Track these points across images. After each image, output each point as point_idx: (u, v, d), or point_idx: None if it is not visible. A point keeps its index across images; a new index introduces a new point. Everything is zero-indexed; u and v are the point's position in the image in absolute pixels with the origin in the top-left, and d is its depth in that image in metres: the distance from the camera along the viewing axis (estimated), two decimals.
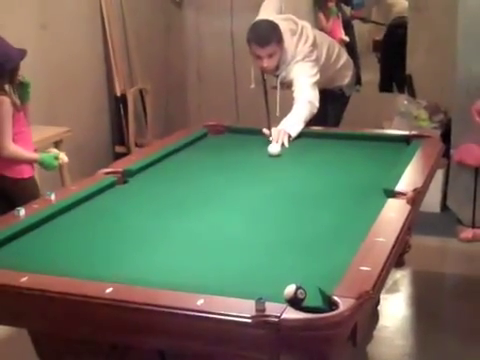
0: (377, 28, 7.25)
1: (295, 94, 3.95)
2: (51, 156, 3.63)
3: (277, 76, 4.16)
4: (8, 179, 3.58)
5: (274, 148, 3.52)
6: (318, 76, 4.04)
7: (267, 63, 4.01)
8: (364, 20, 7.29)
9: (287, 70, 4.08)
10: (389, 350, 3.48)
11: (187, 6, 6.60)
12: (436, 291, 4.15)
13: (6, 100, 3.46)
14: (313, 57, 4.10)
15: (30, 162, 3.64)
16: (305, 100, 3.88)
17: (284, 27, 4.09)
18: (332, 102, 4.50)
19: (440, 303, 4.01)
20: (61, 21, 5.14)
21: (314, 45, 4.16)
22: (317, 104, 3.94)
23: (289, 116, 3.83)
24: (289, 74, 4.07)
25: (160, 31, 6.53)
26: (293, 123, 3.77)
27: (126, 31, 5.96)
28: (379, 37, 7.13)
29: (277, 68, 4.10)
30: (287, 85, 4.13)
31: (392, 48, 6.63)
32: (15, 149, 3.52)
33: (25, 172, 3.63)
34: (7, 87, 3.52)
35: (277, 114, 4.12)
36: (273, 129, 3.70)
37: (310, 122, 3.91)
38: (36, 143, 3.88)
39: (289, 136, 3.69)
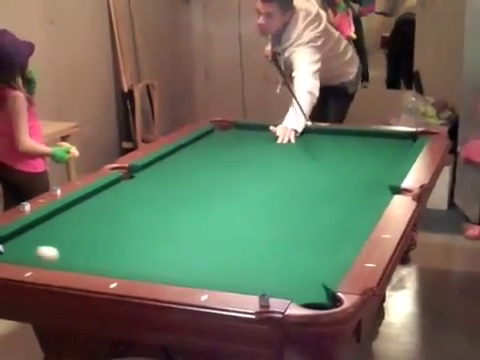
0: (385, 24, 7.22)
1: (295, 81, 3.95)
2: (63, 150, 3.68)
3: (279, 54, 4.19)
4: (23, 173, 3.62)
5: None
6: (319, 64, 4.01)
7: (263, 20, 4.08)
8: (385, 14, 7.25)
9: (290, 51, 4.09)
10: (395, 347, 3.48)
11: (195, 3, 6.59)
12: (442, 288, 4.14)
13: (21, 95, 3.49)
14: (318, 43, 4.09)
15: (44, 156, 3.67)
16: (305, 90, 3.87)
17: (301, 6, 4.13)
18: (335, 99, 4.49)
19: (446, 300, 4.00)
20: (68, 16, 5.14)
21: (323, 33, 4.16)
22: (317, 94, 3.93)
23: (292, 110, 3.82)
24: (291, 56, 4.08)
25: (167, 26, 6.51)
26: (297, 117, 3.76)
27: (133, 26, 5.96)
28: (387, 33, 7.11)
29: (278, 42, 4.15)
30: (288, 68, 4.12)
31: (400, 44, 6.61)
32: (32, 143, 3.56)
33: (39, 166, 3.67)
34: (19, 82, 3.54)
35: (278, 91, 4.27)
36: (279, 127, 3.69)
37: (314, 119, 3.89)
38: (43, 138, 3.90)
39: (295, 132, 3.69)
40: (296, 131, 3.70)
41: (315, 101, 3.92)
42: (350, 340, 1.86)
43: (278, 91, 4.43)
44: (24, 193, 3.44)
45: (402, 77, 6.66)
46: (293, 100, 3.87)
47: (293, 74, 4.01)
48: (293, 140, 3.63)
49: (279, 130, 3.67)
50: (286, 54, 4.13)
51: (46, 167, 3.75)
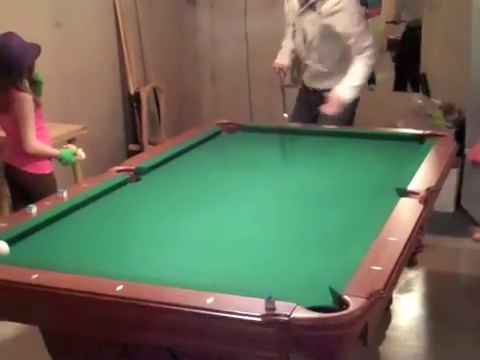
0: (391, 28, 7.21)
1: (353, 52, 4.03)
2: (70, 152, 3.69)
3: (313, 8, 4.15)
4: (29, 175, 3.63)
5: None
6: (373, 49, 4.08)
7: None
8: (394, 23, 7.24)
9: (332, 9, 4.06)
10: (402, 350, 3.47)
11: (201, 5, 6.59)
12: (449, 291, 4.13)
13: (29, 97, 3.50)
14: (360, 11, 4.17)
15: (51, 158, 3.68)
16: (361, 76, 4.00)
17: None
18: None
19: (453, 303, 3.98)
20: (75, 19, 5.15)
21: None
22: (374, 61, 4.03)
23: (347, 77, 3.98)
24: (335, 15, 4.04)
25: (174, 29, 6.52)
26: (350, 84, 3.92)
27: (140, 29, 5.96)
28: (394, 36, 7.09)
29: None
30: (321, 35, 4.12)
31: (409, 48, 6.59)
32: (39, 145, 3.57)
33: (46, 168, 3.69)
34: (27, 84, 3.55)
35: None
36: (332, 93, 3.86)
37: (324, 122, 3.89)
38: (51, 140, 3.90)
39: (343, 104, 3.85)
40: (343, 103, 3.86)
41: (371, 70, 4.04)
42: (356, 343, 1.86)
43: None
44: (31, 194, 3.46)
45: (409, 80, 6.65)
46: (349, 69, 3.97)
47: (349, 43, 4.04)
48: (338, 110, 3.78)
49: (330, 98, 3.76)
50: (323, 8, 4.06)
51: (53, 168, 3.76)
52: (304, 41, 4.23)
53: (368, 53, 3.95)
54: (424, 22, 5.90)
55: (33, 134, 3.52)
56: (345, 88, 3.80)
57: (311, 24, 4.17)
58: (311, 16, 4.15)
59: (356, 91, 3.83)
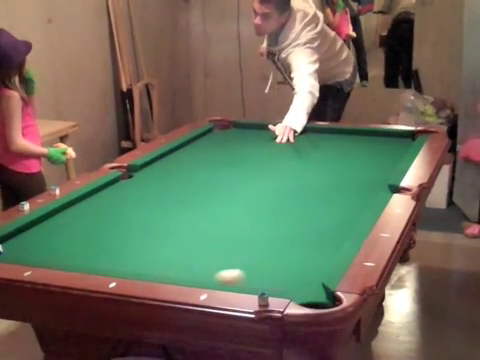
0: (384, 24, 7.23)
1: (295, 82, 3.94)
2: (59, 151, 3.66)
3: (274, 54, 4.20)
4: (16, 173, 3.60)
5: None
6: (317, 65, 4.01)
7: (259, 21, 4.07)
8: (382, 12, 7.24)
9: (287, 51, 4.08)
10: (394, 346, 3.48)
11: (194, 2, 6.58)
12: (441, 287, 4.14)
13: (15, 95, 3.48)
14: (314, 44, 4.08)
15: (38, 156, 3.66)
16: (306, 90, 3.86)
17: (298, 7, 4.13)
18: (331, 98, 4.48)
19: (445, 299, 4.00)
20: (67, 15, 5.13)
21: (319, 34, 4.16)
22: (317, 94, 3.91)
23: (292, 109, 3.81)
24: (288, 56, 4.07)
25: (167, 25, 6.52)
26: (297, 117, 3.75)
27: (132, 25, 5.95)
28: (386, 33, 7.11)
29: (275, 42, 4.16)
30: (286, 69, 4.14)
31: (397, 43, 6.61)
32: (25, 144, 3.54)
33: (33, 167, 3.65)
34: (16, 81, 3.53)
35: (266, 91, 4.37)
36: (278, 126, 3.69)
37: (310, 118, 3.88)
38: (42, 137, 3.89)
39: (294, 132, 3.68)
40: (295, 131, 3.69)
41: (316, 101, 3.90)
42: (349, 339, 1.86)
43: (266, 91, 4.46)
44: (19, 193, 3.46)
45: (400, 76, 6.67)
46: (293, 99, 3.86)
47: (292, 75, 4.01)
48: (292, 140, 3.62)
49: (278, 129, 3.67)
50: (283, 55, 4.12)
51: (41, 168, 3.73)
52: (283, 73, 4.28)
53: (312, 84, 3.93)
54: (416, 18, 5.90)
55: (18, 132, 3.50)
56: (296, 119, 3.76)
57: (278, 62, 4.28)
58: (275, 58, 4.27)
59: (305, 120, 3.82)
